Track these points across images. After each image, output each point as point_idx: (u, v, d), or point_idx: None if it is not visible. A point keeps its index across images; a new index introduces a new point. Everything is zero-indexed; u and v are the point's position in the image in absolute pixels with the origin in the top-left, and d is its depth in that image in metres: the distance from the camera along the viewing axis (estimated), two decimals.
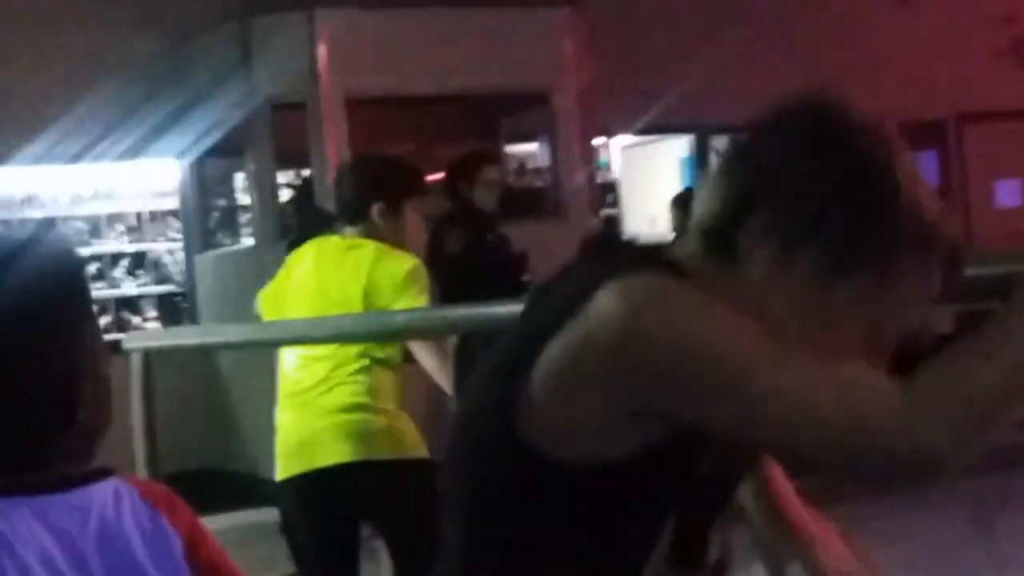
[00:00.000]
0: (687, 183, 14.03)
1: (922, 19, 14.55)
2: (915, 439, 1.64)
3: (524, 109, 11.53)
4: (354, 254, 4.88)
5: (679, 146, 14.48)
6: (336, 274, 4.89)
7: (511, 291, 7.70)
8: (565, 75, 11.02)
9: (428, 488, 4.38)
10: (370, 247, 4.89)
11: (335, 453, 4.78)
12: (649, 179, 15.06)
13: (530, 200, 11.23)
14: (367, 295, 4.76)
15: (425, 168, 9.97)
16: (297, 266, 5.07)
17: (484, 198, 8.09)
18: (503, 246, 8.06)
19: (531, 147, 12.98)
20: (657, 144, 14.73)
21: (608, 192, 14.44)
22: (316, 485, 4.84)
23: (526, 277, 7.99)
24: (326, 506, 4.89)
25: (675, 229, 11.99)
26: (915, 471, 1.66)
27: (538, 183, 12.16)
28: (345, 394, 4.80)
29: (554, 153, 11.25)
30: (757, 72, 13.67)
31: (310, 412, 4.85)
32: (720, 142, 14.87)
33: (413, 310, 4.57)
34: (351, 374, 4.81)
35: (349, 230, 5.01)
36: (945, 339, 1.76)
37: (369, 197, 4.97)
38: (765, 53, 13.78)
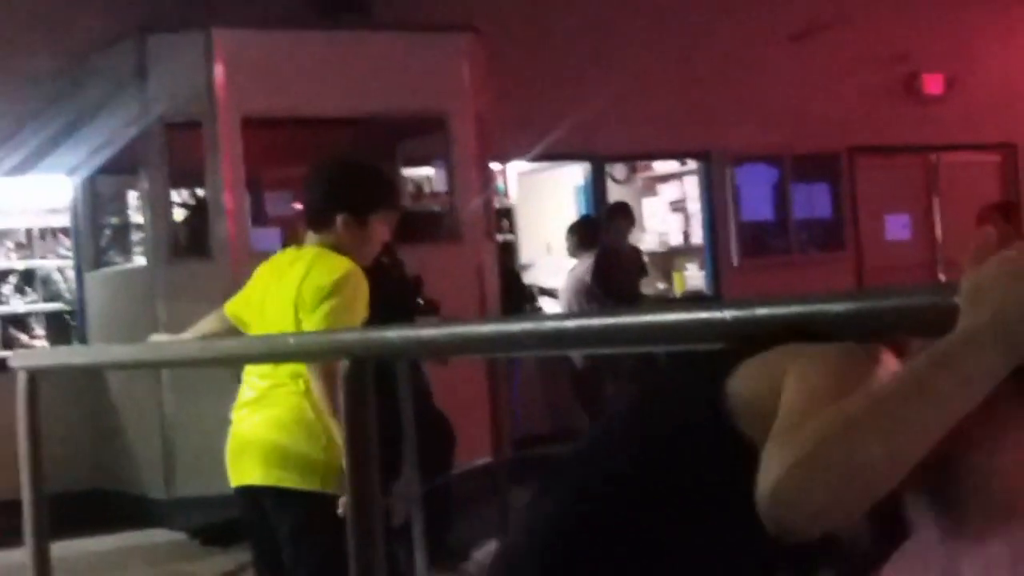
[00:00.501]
0: (583, 210, 14.08)
1: (816, 55, 14.73)
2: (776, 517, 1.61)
3: (421, 133, 11.52)
4: (296, 265, 4.83)
5: (574, 173, 14.54)
6: (277, 286, 4.85)
7: (406, 315, 7.69)
8: (462, 100, 11.02)
9: (335, 526, 4.28)
10: (308, 256, 4.83)
11: (252, 473, 4.77)
12: (545, 205, 15.11)
13: (426, 224, 11.21)
14: (296, 308, 4.71)
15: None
16: (257, 278, 5.04)
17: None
18: (398, 269, 8.01)
19: (428, 171, 12.98)
20: (553, 171, 14.80)
21: (504, 217, 14.46)
22: (246, 498, 4.83)
23: (420, 300, 7.96)
24: (258, 519, 4.85)
25: (571, 255, 12.04)
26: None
27: (435, 207, 12.15)
28: (272, 415, 4.75)
29: (451, 177, 11.23)
30: (652, 103, 13.80)
31: (245, 426, 4.82)
32: (616, 170, 14.97)
33: (303, 334, 4.53)
34: (285, 395, 4.73)
35: (311, 237, 4.93)
36: None
37: (335, 206, 4.88)
38: (660, 84, 13.89)
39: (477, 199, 11.08)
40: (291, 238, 10.47)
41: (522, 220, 15.05)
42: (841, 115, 14.82)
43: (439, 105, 10.86)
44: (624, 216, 12.61)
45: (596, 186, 14.17)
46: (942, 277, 15.43)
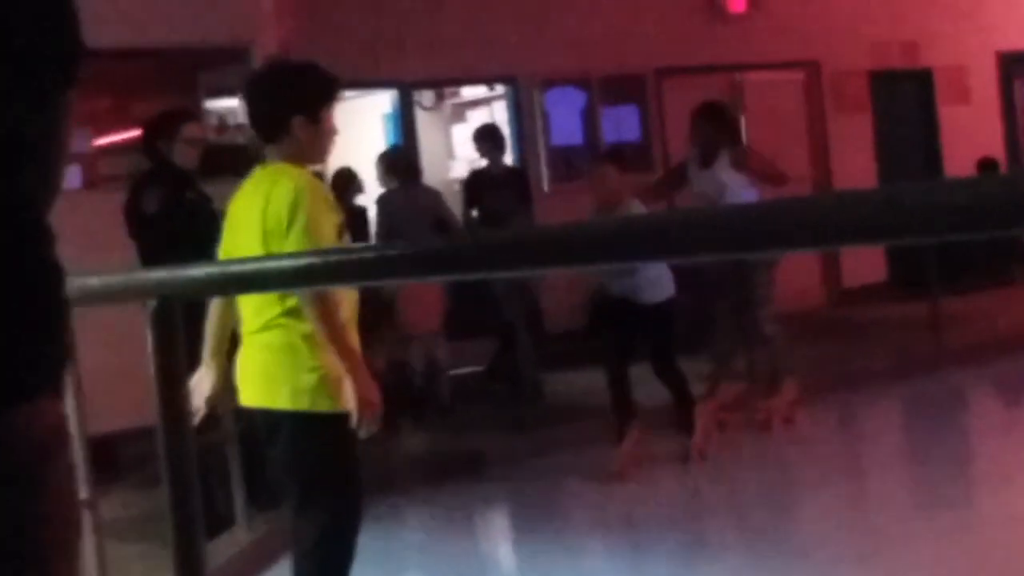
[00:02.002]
0: (391, 139, 13.92)
1: None
2: None
3: (223, 64, 11.24)
4: (258, 189, 4.97)
5: (381, 101, 14.36)
6: (245, 213, 5.02)
7: (213, 251, 7.50)
8: (264, 30, 10.77)
9: (326, 445, 4.87)
10: (266, 181, 4.97)
11: (247, 395, 5.02)
12: (352, 134, 14.88)
13: (232, 157, 10.95)
14: (266, 238, 4.86)
15: (121, 125, 9.64)
16: (231, 208, 5.21)
17: (184, 156, 7.81)
18: (204, 205, 7.81)
19: (231, 103, 12.69)
20: (360, 99, 14.59)
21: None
22: (248, 418, 5.24)
23: None
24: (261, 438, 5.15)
25: (381, 184, 11.87)
26: None
27: (240, 140, 11.90)
28: (264, 342, 4.93)
29: None
30: (458, 28, 13.67)
31: (245, 353, 5.04)
32: (424, 97, 14.82)
33: (108, 275, 4.33)
34: (276, 327, 4.89)
35: (270, 150, 5.05)
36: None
37: (286, 111, 4.99)
38: (466, 9, 13.77)
39: None
40: (93, 174, 10.20)
41: None
42: (647, 37, 14.86)
43: (241, 35, 10.60)
44: (491, 138, 12.31)
45: (404, 114, 14.01)
46: None
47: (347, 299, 4.93)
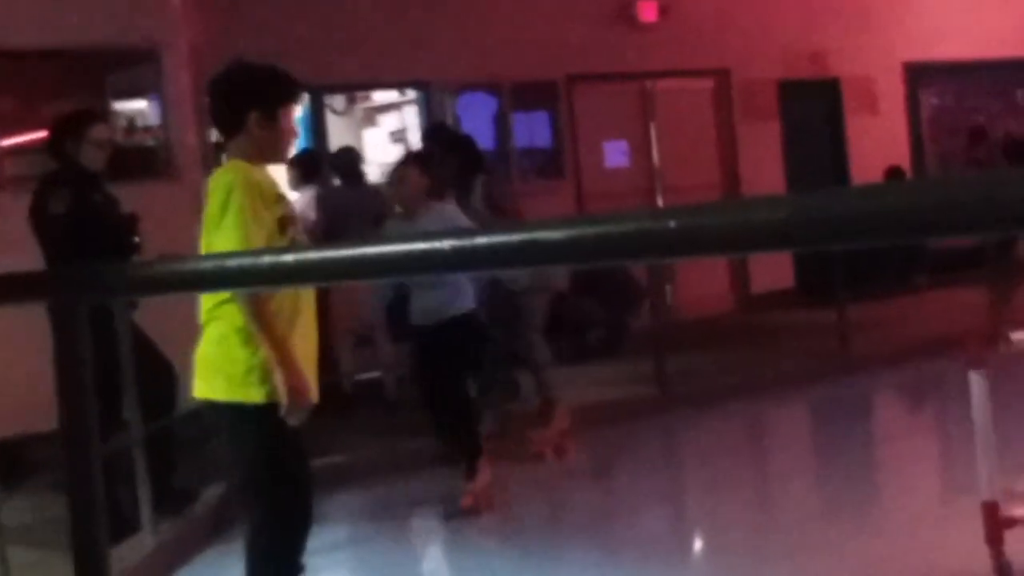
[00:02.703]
0: (301, 143, 13.85)
1: None
2: None
3: (132, 65, 11.13)
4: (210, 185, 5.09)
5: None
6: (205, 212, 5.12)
7: (120, 253, 7.43)
8: (175, 31, 10.68)
9: (262, 435, 4.94)
10: (216, 172, 5.12)
11: (195, 387, 5.11)
12: None
13: (140, 160, 10.86)
14: (206, 231, 5.03)
15: (28, 126, 9.49)
16: None
17: (91, 157, 7.73)
18: (111, 207, 7.73)
19: (140, 104, 12.57)
20: None
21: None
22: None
23: (136, 239, 7.70)
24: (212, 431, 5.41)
25: (292, 187, 11.81)
26: None
27: (149, 142, 11.79)
28: (205, 337, 5.04)
29: (164, 111, 10.90)
30: (369, 32, 13.64)
31: (197, 348, 5.14)
32: (335, 101, 14.77)
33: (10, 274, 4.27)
34: (214, 321, 4.99)
35: (228, 147, 5.17)
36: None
37: (244, 107, 5.08)
38: (377, 13, 13.75)
39: (192, 134, 10.79)
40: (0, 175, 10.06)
41: None
42: (558, 43, 14.90)
43: (150, 37, 10.50)
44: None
45: (315, 118, 13.95)
46: (660, 202, 15.71)
47: (296, 295, 4.98)
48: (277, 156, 5.30)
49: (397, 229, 8.33)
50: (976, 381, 5.83)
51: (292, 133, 5.28)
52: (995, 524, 5.84)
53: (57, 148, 7.80)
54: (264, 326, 4.85)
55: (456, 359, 8.18)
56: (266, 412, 4.89)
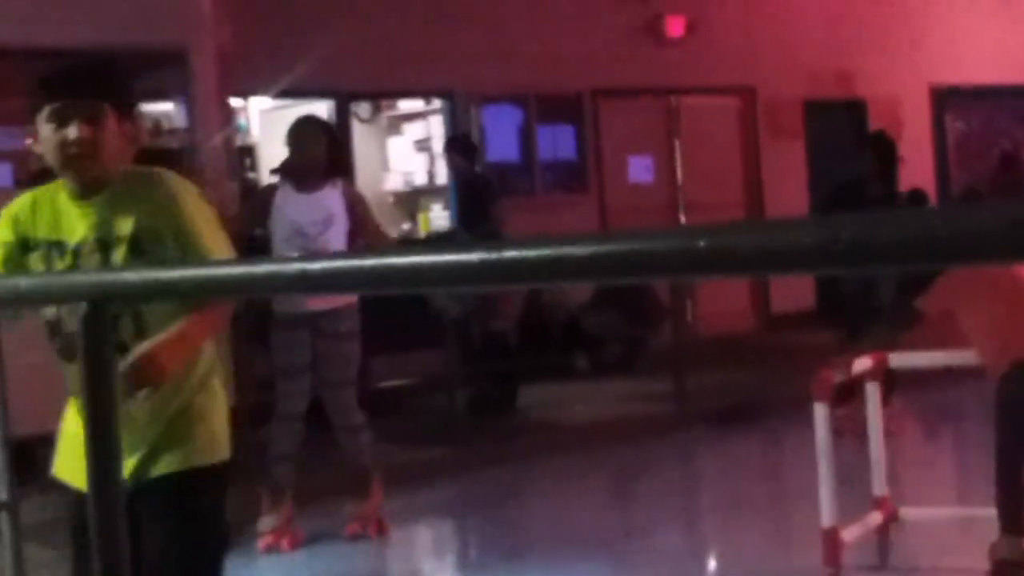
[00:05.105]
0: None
1: None
2: None
3: (159, 67, 11.16)
4: None
5: (318, 111, 14.30)
6: None
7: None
8: (202, 34, 10.71)
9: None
10: None
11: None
12: None
13: (165, 161, 10.87)
14: None
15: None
16: None
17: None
18: None
19: (166, 106, 12.60)
20: (297, 108, 14.53)
21: (247, 156, 14.16)
22: None
23: None
24: None
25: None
26: None
27: (174, 144, 11.82)
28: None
29: (190, 114, 10.93)
30: (397, 40, 13.66)
31: None
32: (361, 108, 14.79)
33: (34, 278, 4.23)
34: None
35: None
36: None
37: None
38: (406, 21, 13.77)
39: (217, 137, 10.82)
40: (23, 172, 10.09)
41: (265, 158, 14.76)
42: (585, 57, 14.90)
43: (178, 39, 10.53)
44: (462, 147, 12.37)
45: (340, 124, 13.96)
46: (683, 219, 15.69)
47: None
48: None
49: None
50: (819, 411, 6.16)
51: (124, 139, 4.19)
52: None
53: None
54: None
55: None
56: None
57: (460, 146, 12.34)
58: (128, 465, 3.98)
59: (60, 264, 4.09)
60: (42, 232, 4.14)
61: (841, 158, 17.60)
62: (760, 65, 16.35)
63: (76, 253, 4.10)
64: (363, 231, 8.08)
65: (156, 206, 4.10)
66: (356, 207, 8.13)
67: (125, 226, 4.09)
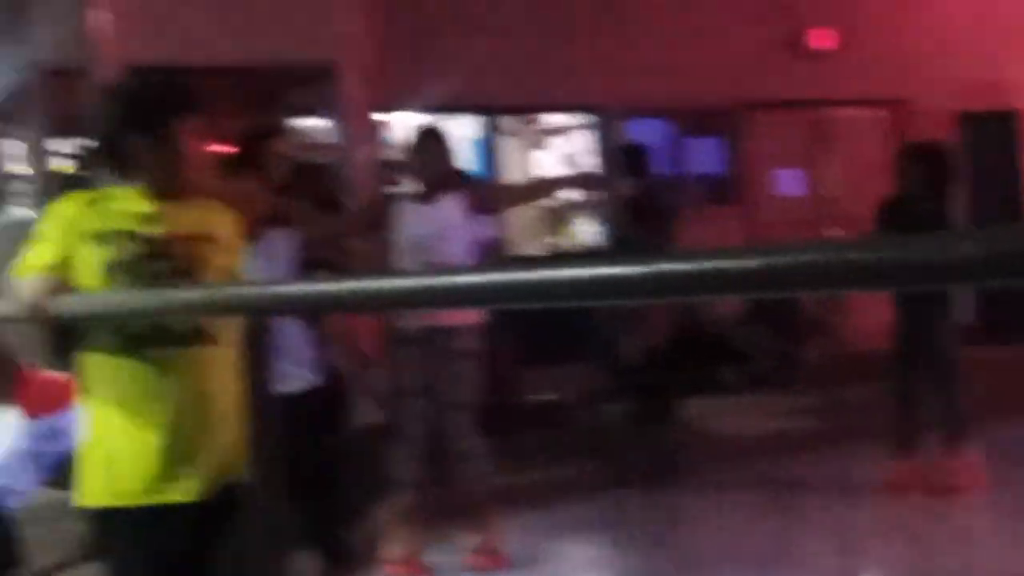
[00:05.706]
0: (476, 163, 13.97)
1: (708, 8, 14.72)
2: None
3: (309, 82, 11.34)
4: None
5: (468, 125, 14.40)
6: None
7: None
8: (351, 52, 10.86)
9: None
10: None
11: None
12: None
13: (315, 176, 11.03)
14: None
15: (207, 140, 9.67)
16: None
17: (274, 171, 7.86)
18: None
19: (316, 122, 12.79)
20: (446, 123, 14.65)
21: (395, 169, 14.31)
22: None
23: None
24: None
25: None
26: None
27: (323, 159, 11.99)
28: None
29: (340, 129, 11.08)
30: (545, 55, 13.71)
31: None
32: (509, 123, 14.87)
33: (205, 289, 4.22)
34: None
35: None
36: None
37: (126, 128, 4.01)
38: (554, 37, 13.83)
39: (366, 151, 10.95)
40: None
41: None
42: (731, 70, 14.83)
43: (328, 55, 10.69)
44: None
45: (486, 138, 14.06)
46: (837, 232, 15.52)
47: None
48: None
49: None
50: None
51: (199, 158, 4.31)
52: None
53: (244, 160, 7.93)
54: None
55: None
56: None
57: (631, 157, 12.16)
58: (193, 482, 3.82)
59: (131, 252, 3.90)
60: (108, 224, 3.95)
61: (993, 170, 17.34)
62: (911, 77, 16.13)
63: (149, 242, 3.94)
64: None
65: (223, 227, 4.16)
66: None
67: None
